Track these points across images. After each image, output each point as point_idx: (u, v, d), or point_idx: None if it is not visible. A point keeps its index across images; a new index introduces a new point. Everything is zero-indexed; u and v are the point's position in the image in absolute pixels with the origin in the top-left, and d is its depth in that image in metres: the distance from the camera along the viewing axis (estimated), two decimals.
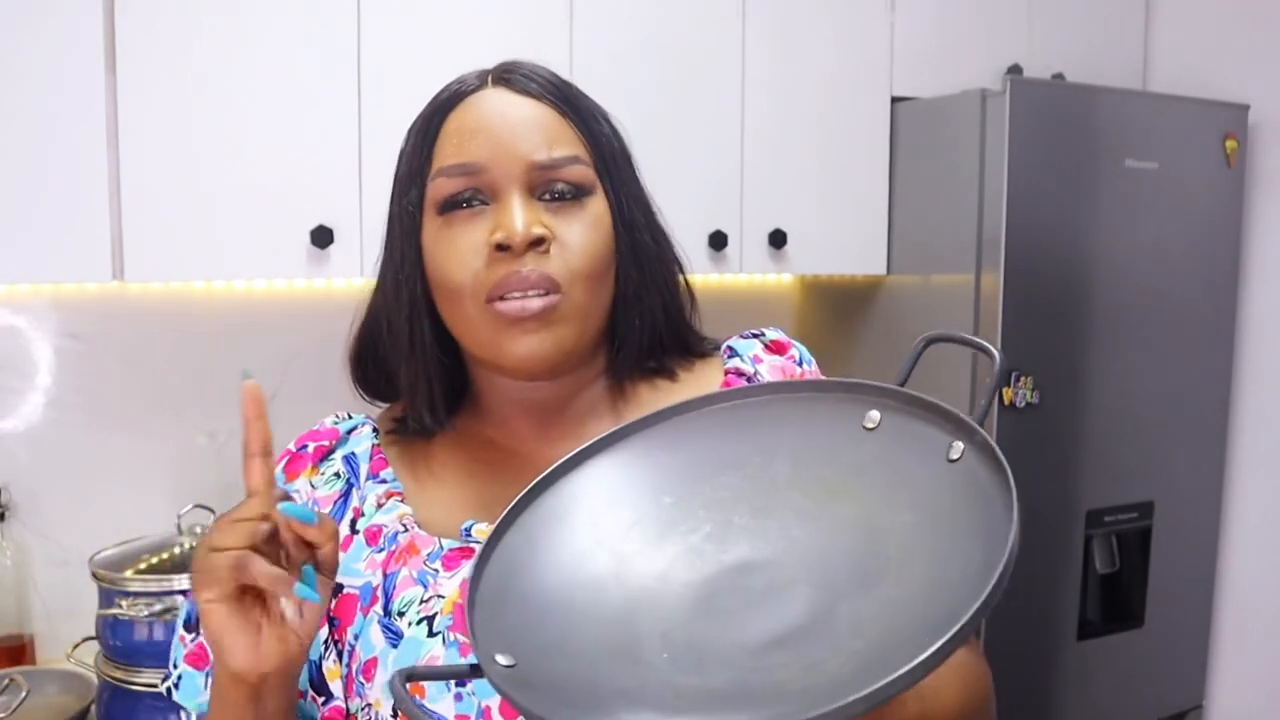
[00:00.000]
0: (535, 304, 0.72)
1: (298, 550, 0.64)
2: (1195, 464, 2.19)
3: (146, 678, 1.41)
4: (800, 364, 0.85)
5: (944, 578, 0.51)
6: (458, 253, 0.74)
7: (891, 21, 2.05)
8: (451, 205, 0.75)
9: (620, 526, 0.63)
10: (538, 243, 0.72)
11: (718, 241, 1.89)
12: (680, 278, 0.84)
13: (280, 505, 0.63)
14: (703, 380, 0.83)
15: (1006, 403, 1.87)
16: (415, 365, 0.79)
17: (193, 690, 0.79)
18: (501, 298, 0.72)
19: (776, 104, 1.95)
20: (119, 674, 1.43)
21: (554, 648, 0.56)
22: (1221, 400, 2.21)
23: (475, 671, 0.55)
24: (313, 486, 0.82)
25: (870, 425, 0.60)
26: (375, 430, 0.85)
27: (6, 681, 1.49)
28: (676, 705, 0.51)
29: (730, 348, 0.86)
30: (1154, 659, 2.16)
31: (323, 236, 1.56)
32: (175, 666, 0.80)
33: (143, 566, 1.48)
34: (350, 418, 0.86)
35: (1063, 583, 1.99)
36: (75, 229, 1.45)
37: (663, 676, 0.54)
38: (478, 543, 0.75)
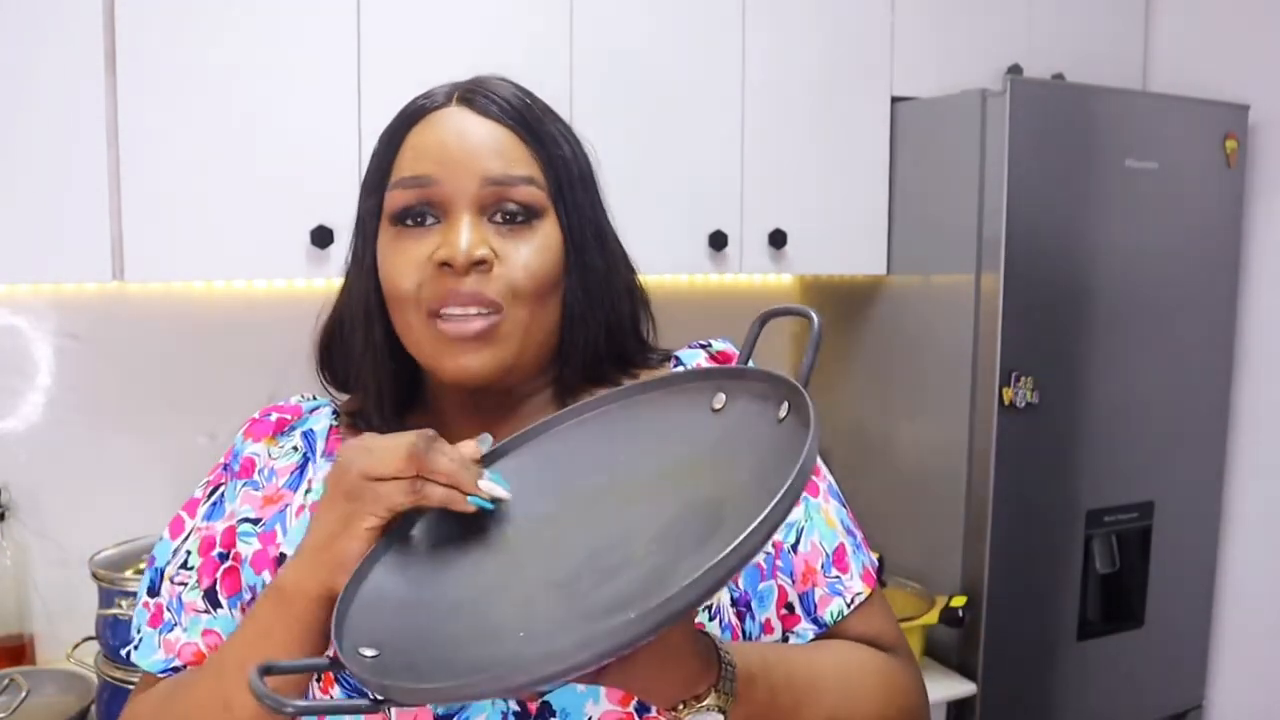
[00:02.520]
0: (475, 325, 0.75)
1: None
2: (1195, 464, 2.19)
3: None
4: None
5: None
6: (405, 264, 0.77)
7: (891, 21, 2.05)
8: (404, 217, 0.78)
9: (499, 526, 0.68)
10: (480, 263, 0.75)
11: (718, 241, 1.89)
12: (630, 293, 0.86)
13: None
14: None
15: (1006, 403, 1.87)
16: (366, 368, 0.82)
17: (149, 650, 0.82)
18: (440, 315, 0.75)
19: (776, 104, 1.95)
20: (119, 674, 1.43)
21: (418, 637, 0.61)
22: (1221, 400, 2.21)
23: (335, 664, 0.59)
24: (270, 455, 0.85)
25: (718, 406, 0.65)
26: (336, 413, 0.88)
27: (6, 681, 1.49)
28: (517, 664, 0.54)
29: (676, 357, 0.88)
30: (1154, 659, 2.16)
31: (323, 236, 1.56)
32: (139, 631, 0.83)
33: (142, 566, 1.48)
34: (315, 399, 0.90)
35: (1063, 583, 1.99)
36: (75, 229, 1.45)
37: (516, 649, 0.58)
38: None
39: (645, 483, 0.66)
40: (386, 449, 0.65)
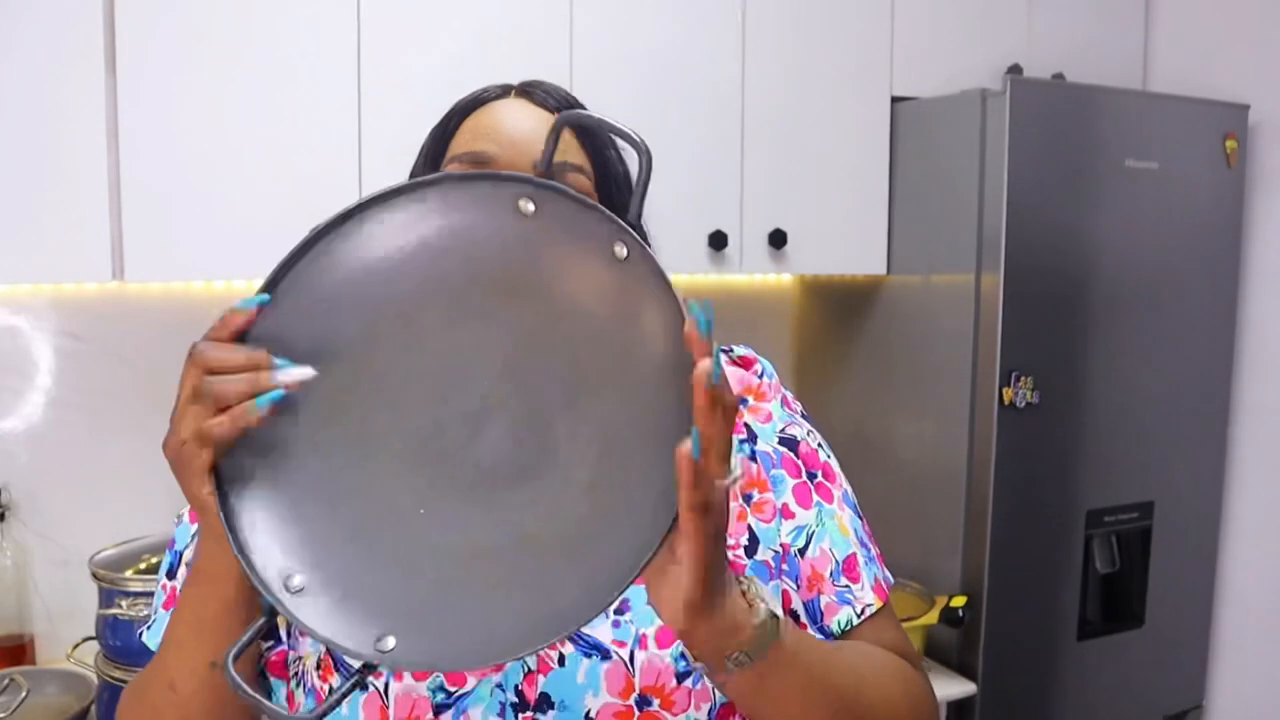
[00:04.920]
0: None
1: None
2: (1195, 464, 2.19)
3: None
4: (760, 376, 0.88)
5: (641, 384, 0.57)
6: None
7: (891, 21, 2.05)
8: (468, 159, 0.79)
9: (322, 410, 0.61)
10: None
11: (718, 241, 1.89)
12: None
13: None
14: None
15: (1006, 403, 1.87)
16: None
17: (159, 631, 0.82)
18: None
19: (776, 104, 1.95)
20: (119, 674, 1.43)
21: (327, 543, 0.59)
22: (1221, 400, 2.21)
23: (272, 614, 0.60)
24: None
25: (529, 211, 0.60)
26: None
27: (6, 681, 1.49)
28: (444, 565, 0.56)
29: None
30: (1154, 659, 2.16)
31: None
32: (155, 612, 0.85)
33: (143, 566, 1.48)
34: None
35: (1063, 583, 1.99)
36: (75, 229, 1.45)
37: (425, 536, 0.58)
38: None
39: (465, 295, 0.61)
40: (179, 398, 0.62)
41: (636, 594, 0.67)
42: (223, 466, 0.60)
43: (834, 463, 0.87)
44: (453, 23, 1.67)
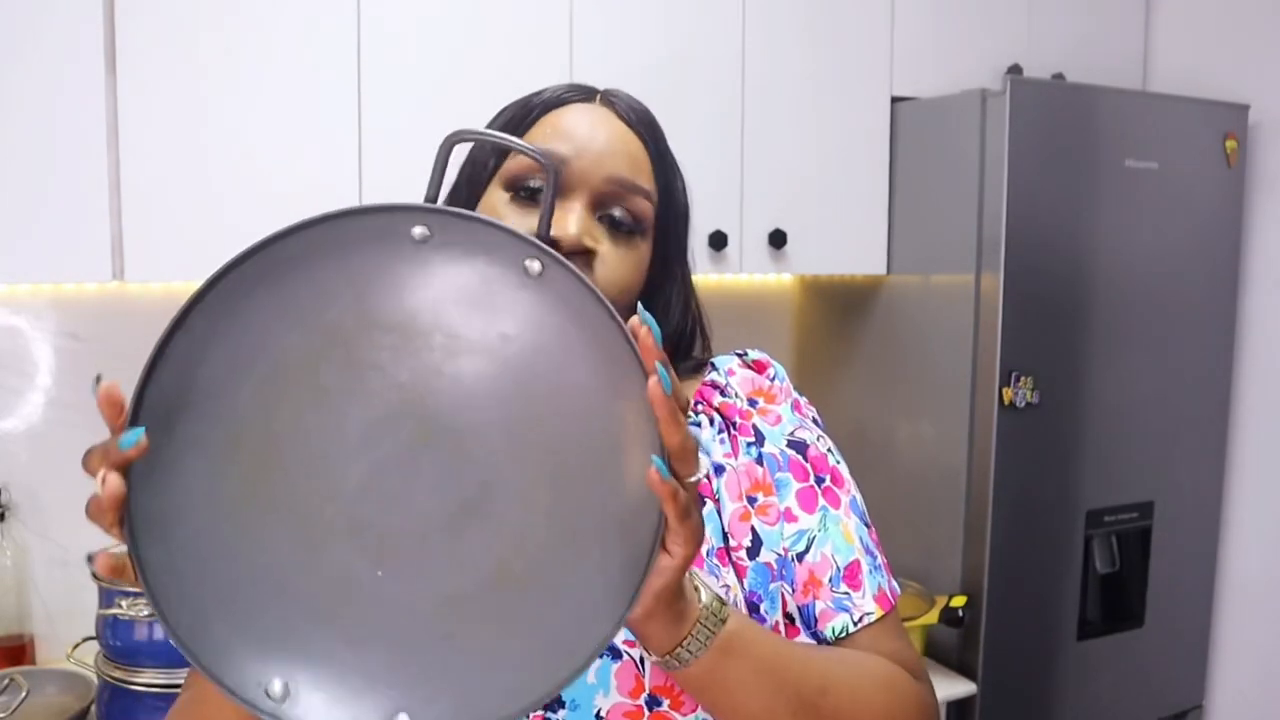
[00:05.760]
0: None
1: None
2: (1195, 464, 2.19)
3: (146, 678, 1.41)
4: (772, 380, 0.88)
5: (579, 397, 0.55)
6: None
7: (891, 21, 2.05)
8: (519, 187, 0.76)
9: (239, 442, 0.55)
10: (585, 253, 0.74)
11: (718, 241, 1.89)
12: (691, 315, 0.87)
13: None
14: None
15: (1006, 403, 1.87)
16: None
17: None
18: None
19: (777, 104, 1.95)
20: (119, 674, 1.43)
21: (289, 635, 0.54)
22: (1221, 400, 2.21)
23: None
24: None
25: (419, 237, 0.55)
26: None
27: (6, 681, 1.49)
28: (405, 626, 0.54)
29: (712, 364, 0.89)
30: (1154, 659, 2.16)
31: None
32: None
33: None
34: None
35: (1063, 583, 1.99)
36: (75, 229, 1.45)
37: (391, 598, 0.55)
38: None
39: (365, 335, 0.55)
40: None
41: None
42: (156, 585, 0.53)
43: (844, 469, 0.86)
44: (453, 22, 1.67)
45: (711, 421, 0.84)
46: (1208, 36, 2.31)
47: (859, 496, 0.86)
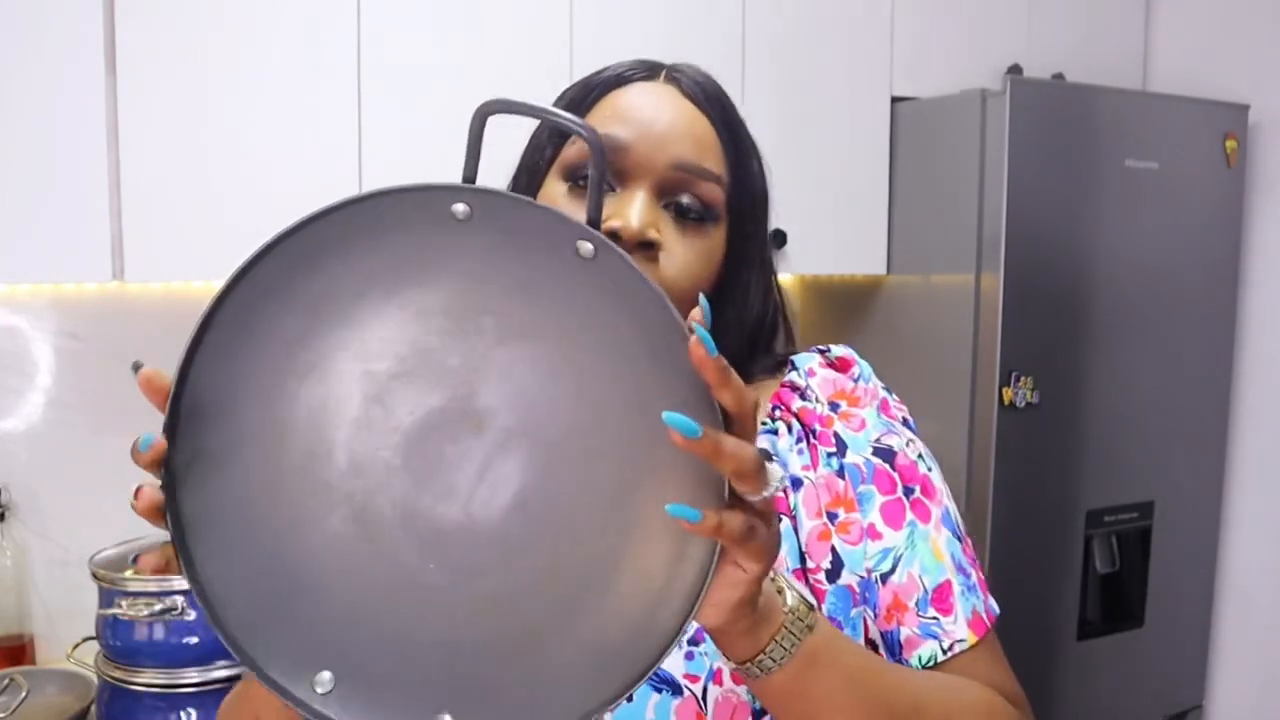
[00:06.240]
0: None
1: None
2: (1195, 464, 2.19)
3: (146, 678, 1.41)
4: (856, 380, 0.81)
5: (634, 385, 0.51)
6: None
7: (891, 21, 2.05)
8: (577, 175, 0.71)
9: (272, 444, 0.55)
10: (648, 245, 0.69)
11: None
12: (771, 305, 0.81)
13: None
14: (760, 392, 0.81)
15: (1006, 403, 1.87)
16: None
17: None
18: None
19: (776, 104, 1.95)
20: (119, 674, 1.43)
21: (338, 630, 0.54)
22: (1221, 400, 2.21)
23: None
24: None
25: (462, 217, 0.52)
26: None
27: (6, 681, 1.49)
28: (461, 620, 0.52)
29: (792, 361, 0.83)
30: (1154, 659, 2.16)
31: None
32: None
33: None
34: None
35: (1063, 583, 1.99)
36: (75, 229, 1.45)
37: (440, 598, 0.53)
38: None
39: (427, 318, 0.53)
40: None
41: None
42: (205, 580, 0.52)
43: (936, 477, 0.78)
44: (453, 22, 1.67)
45: (790, 429, 0.77)
46: (1207, 36, 2.31)
47: (952, 507, 0.77)
